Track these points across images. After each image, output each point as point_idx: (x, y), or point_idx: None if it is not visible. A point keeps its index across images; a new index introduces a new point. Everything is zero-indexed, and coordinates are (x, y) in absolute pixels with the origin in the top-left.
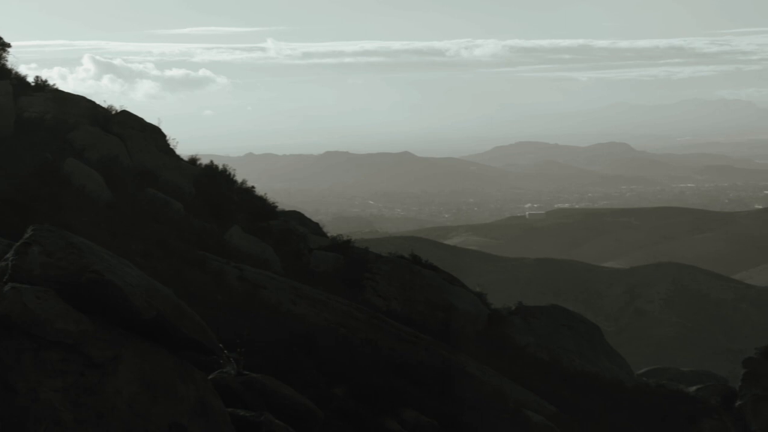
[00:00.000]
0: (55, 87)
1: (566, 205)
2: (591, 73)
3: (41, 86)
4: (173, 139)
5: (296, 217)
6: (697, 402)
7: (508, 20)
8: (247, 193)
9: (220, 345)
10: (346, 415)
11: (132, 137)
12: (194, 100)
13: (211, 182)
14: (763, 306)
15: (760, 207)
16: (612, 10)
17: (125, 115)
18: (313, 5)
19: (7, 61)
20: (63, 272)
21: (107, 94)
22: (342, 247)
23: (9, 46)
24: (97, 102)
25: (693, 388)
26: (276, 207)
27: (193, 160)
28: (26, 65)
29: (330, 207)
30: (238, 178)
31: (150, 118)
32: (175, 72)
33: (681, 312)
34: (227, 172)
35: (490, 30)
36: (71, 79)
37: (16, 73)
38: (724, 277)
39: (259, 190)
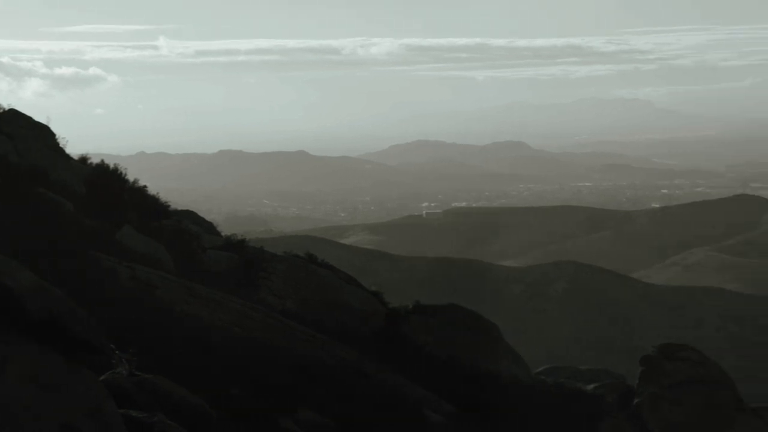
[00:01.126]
0: None
1: (463, 204)
2: (488, 72)
3: None
4: (63, 138)
5: (189, 216)
6: (595, 400)
7: (404, 18)
8: (138, 192)
9: (112, 346)
10: (241, 415)
11: (21, 136)
12: (85, 99)
13: (103, 182)
14: (660, 305)
15: (658, 206)
16: (510, 9)
17: (13, 113)
18: (207, 3)
19: None
20: None
21: None
22: (236, 246)
23: None
24: None
25: (591, 387)
26: (169, 206)
27: (83, 159)
28: None
29: (224, 206)
30: (130, 178)
31: (39, 116)
32: (65, 70)
33: (579, 310)
34: (118, 171)
35: (386, 28)
36: None
37: None
38: (622, 276)
39: (152, 190)
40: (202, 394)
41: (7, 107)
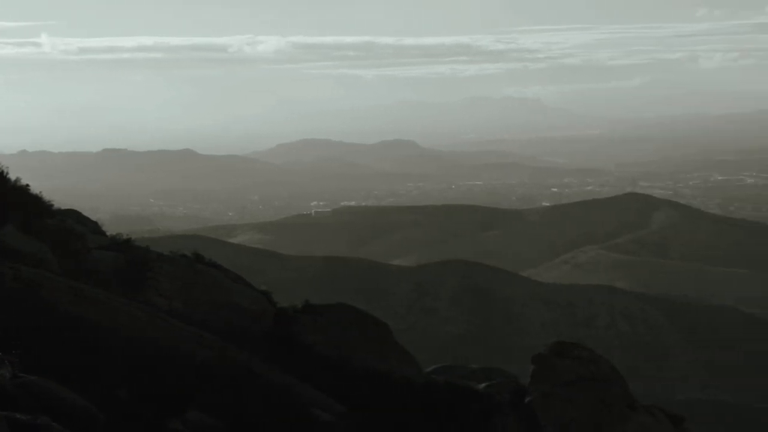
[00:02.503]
0: None
1: (352, 203)
2: (376, 71)
3: None
4: None
5: (74, 216)
6: (487, 399)
7: (292, 17)
8: (21, 191)
9: None
10: (128, 417)
11: None
12: None
13: None
14: (551, 303)
15: (548, 204)
16: (398, 8)
17: None
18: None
19: None
20: None
21: None
22: (122, 246)
23: None
24: None
25: (482, 385)
26: (52, 206)
27: None
28: None
29: (109, 205)
30: (12, 177)
31: None
32: None
33: (469, 309)
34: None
35: (273, 26)
36: None
37: None
38: (513, 274)
39: (34, 189)
40: (89, 396)
41: None
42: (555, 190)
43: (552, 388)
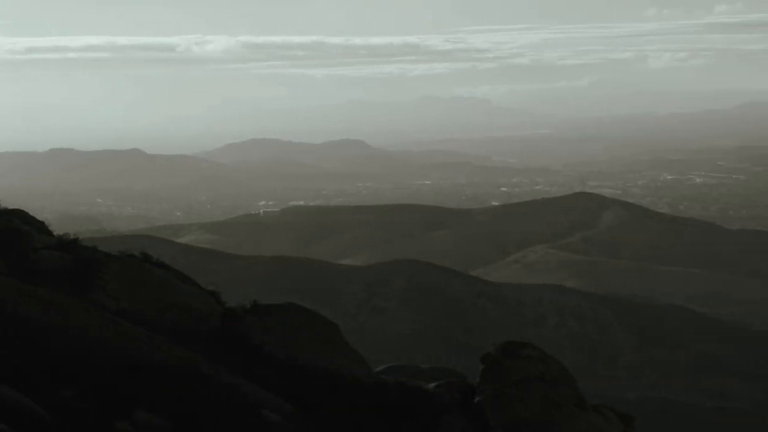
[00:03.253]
0: None
1: (301, 203)
2: (325, 70)
3: None
4: None
5: (20, 215)
6: (436, 398)
7: (240, 16)
8: None
9: None
10: (74, 418)
11: None
12: None
13: None
14: (500, 302)
15: (497, 204)
16: (346, 7)
17: None
18: None
19: None
20: None
21: None
22: (69, 246)
23: None
24: None
25: (432, 385)
26: None
27: None
28: None
29: (56, 205)
30: None
31: None
32: None
33: (418, 309)
34: None
35: (222, 26)
36: None
37: None
38: (462, 274)
39: None
40: (35, 397)
41: None
42: (504, 189)
43: (501, 387)
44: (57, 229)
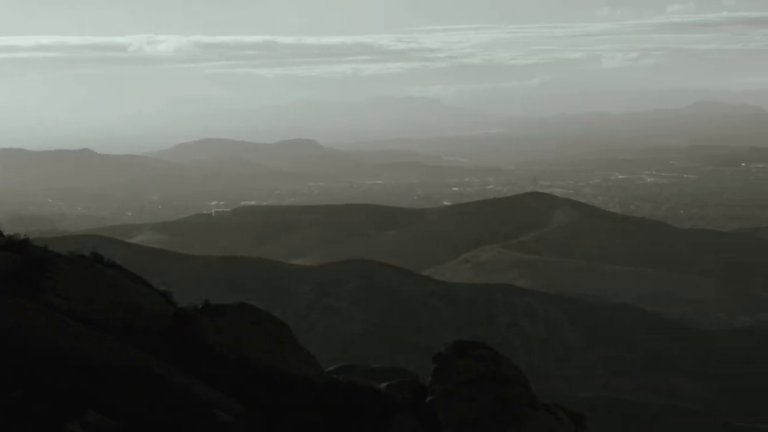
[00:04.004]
0: None
1: (253, 203)
2: (277, 70)
3: None
4: None
5: None
6: (387, 398)
7: (191, 16)
8: None
9: None
10: (24, 419)
11: None
12: None
13: None
14: (452, 302)
15: (449, 203)
16: (298, 7)
17: None
18: None
19: None
20: None
21: None
22: (19, 246)
23: None
24: None
25: (383, 385)
26: None
27: None
28: None
29: (6, 206)
30: None
31: None
32: None
33: (370, 309)
34: None
35: (173, 25)
36: None
37: None
38: (413, 273)
39: None
40: None
41: None
42: (456, 189)
43: (453, 387)
44: (7, 230)
